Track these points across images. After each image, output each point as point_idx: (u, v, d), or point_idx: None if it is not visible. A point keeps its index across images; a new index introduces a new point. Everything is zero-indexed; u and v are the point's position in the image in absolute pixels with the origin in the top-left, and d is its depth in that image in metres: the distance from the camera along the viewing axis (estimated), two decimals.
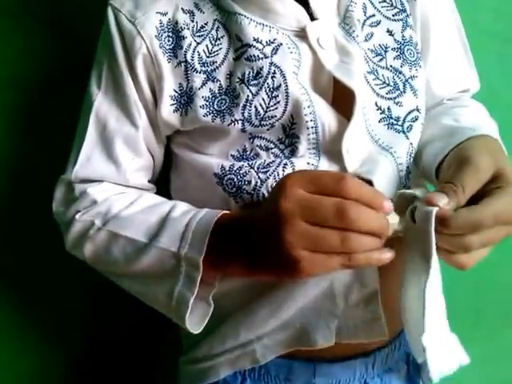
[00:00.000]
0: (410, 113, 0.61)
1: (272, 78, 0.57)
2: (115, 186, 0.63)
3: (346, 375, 0.62)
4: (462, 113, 0.65)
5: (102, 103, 0.61)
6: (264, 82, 0.57)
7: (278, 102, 0.57)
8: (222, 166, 0.59)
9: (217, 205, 0.59)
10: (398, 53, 0.62)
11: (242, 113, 0.58)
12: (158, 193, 0.67)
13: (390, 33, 0.63)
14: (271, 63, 0.57)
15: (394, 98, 0.60)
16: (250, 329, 0.60)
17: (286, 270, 0.47)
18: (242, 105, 0.57)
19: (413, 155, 0.62)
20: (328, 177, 0.46)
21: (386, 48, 0.62)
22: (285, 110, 0.57)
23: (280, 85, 0.57)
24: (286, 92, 0.57)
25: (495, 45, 0.86)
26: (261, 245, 0.49)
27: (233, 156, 0.59)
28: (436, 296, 0.48)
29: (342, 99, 0.58)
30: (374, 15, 0.62)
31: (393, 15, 0.63)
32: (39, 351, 0.86)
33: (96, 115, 0.61)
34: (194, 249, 0.53)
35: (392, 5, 0.64)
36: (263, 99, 0.57)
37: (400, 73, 0.61)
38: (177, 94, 0.60)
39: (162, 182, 0.69)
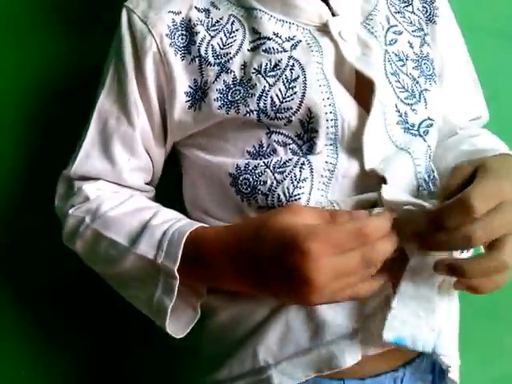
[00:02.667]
0: (423, 121, 0.61)
1: (290, 70, 0.57)
2: (110, 185, 0.63)
3: None
4: (476, 140, 0.67)
5: (104, 102, 0.62)
6: (282, 74, 0.57)
7: (295, 93, 0.56)
8: (237, 166, 0.57)
9: (229, 211, 0.59)
10: (417, 64, 0.62)
11: (258, 103, 0.56)
12: (172, 203, 0.65)
13: (410, 45, 0.63)
14: (290, 57, 0.57)
15: (411, 105, 0.60)
16: (267, 351, 0.57)
17: (295, 297, 0.50)
18: (257, 95, 0.56)
19: (431, 157, 0.61)
20: (347, 236, 0.47)
21: (407, 56, 0.62)
22: (301, 102, 0.56)
23: (298, 76, 0.56)
24: (304, 83, 0.56)
25: (494, 43, 0.86)
26: (271, 271, 0.50)
27: (249, 152, 0.58)
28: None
29: (364, 93, 0.57)
30: (396, 25, 0.63)
31: (412, 31, 0.64)
32: (41, 353, 0.86)
33: (98, 113, 0.62)
34: (169, 257, 0.53)
35: (411, 22, 0.65)
36: (280, 90, 0.56)
37: (417, 82, 0.61)
38: (192, 90, 0.59)
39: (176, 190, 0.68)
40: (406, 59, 0.62)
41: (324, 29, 0.59)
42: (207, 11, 0.60)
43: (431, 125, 0.61)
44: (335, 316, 0.55)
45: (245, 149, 0.58)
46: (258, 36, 0.58)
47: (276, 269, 0.49)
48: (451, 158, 0.64)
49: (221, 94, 0.58)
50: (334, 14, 0.59)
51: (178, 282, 0.53)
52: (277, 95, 0.56)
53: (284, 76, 0.57)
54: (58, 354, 0.86)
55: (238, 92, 0.57)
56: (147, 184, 0.67)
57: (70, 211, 0.62)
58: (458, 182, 0.49)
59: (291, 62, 0.57)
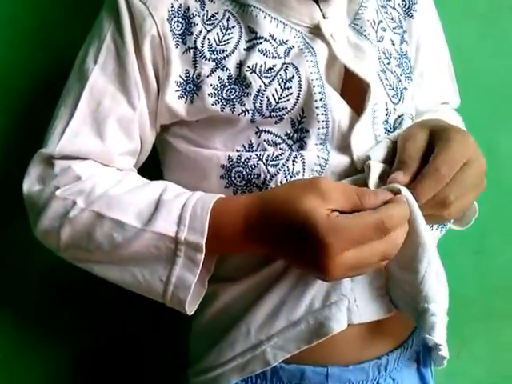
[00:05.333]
0: (396, 119, 0.62)
1: (285, 70, 0.57)
2: (100, 165, 0.59)
3: (359, 378, 0.61)
4: (430, 114, 0.68)
5: (97, 79, 0.58)
6: (277, 74, 0.57)
7: (291, 94, 0.57)
8: (229, 157, 0.57)
9: None
10: (398, 62, 0.64)
11: (254, 103, 0.57)
12: None
13: (392, 42, 0.64)
14: (284, 63, 0.58)
15: (396, 104, 0.61)
16: (259, 329, 0.58)
17: (313, 272, 0.51)
18: (253, 94, 0.57)
19: None
20: (369, 229, 0.48)
21: (390, 54, 0.63)
22: (296, 102, 0.57)
23: (293, 76, 0.57)
24: (299, 83, 0.57)
25: (476, 24, 0.88)
26: (289, 247, 0.51)
27: (238, 151, 0.58)
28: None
29: (351, 93, 0.59)
30: (382, 21, 0.64)
31: (393, 28, 0.65)
32: (43, 348, 0.85)
33: (90, 91, 0.58)
34: (194, 231, 0.52)
35: (392, 19, 0.66)
36: (276, 90, 0.57)
37: (400, 81, 0.62)
38: (182, 81, 0.58)
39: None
40: (390, 57, 0.63)
41: (316, 31, 0.59)
42: (202, 2, 0.59)
43: (402, 119, 0.62)
44: (324, 286, 0.56)
45: (234, 147, 0.58)
46: (254, 35, 0.58)
47: (296, 251, 0.50)
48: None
49: (215, 89, 0.57)
50: (324, 17, 0.60)
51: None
52: (273, 95, 0.57)
53: (279, 76, 0.57)
54: (62, 352, 0.85)
55: (233, 90, 0.57)
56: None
57: (57, 192, 0.56)
58: (418, 151, 0.53)
59: (285, 65, 0.58)
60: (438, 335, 0.53)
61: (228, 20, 0.59)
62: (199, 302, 0.56)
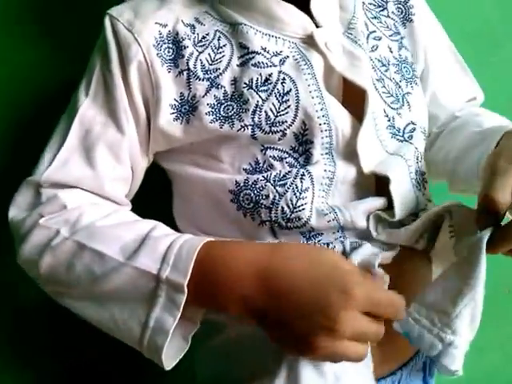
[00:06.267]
0: (407, 125, 0.62)
1: (282, 83, 0.57)
2: (89, 195, 0.58)
3: None
4: (481, 119, 0.68)
5: (88, 109, 0.59)
6: (274, 88, 0.57)
7: (289, 107, 0.57)
8: (237, 182, 0.57)
9: (227, 227, 0.59)
10: (397, 68, 0.64)
11: (252, 118, 0.57)
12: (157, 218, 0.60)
13: (390, 49, 0.64)
14: (280, 71, 0.58)
15: (397, 109, 0.61)
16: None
17: (299, 346, 0.47)
18: (251, 110, 0.57)
19: (420, 160, 0.63)
20: (384, 300, 0.48)
21: (388, 61, 0.63)
22: (295, 115, 0.57)
23: (290, 89, 0.57)
24: (297, 96, 0.57)
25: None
26: (287, 308, 0.47)
27: (245, 170, 0.58)
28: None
29: (352, 101, 0.59)
30: (375, 31, 0.64)
31: (389, 35, 0.65)
32: (35, 362, 0.83)
33: (80, 121, 0.58)
34: (176, 271, 0.49)
35: (388, 27, 0.66)
36: (273, 104, 0.57)
37: (399, 87, 0.63)
38: (177, 103, 0.58)
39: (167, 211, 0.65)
40: (388, 64, 0.63)
41: (310, 41, 0.59)
42: (192, 26, 0.60)
43: (414, 129, 0.63)
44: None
45: (241, 167, 0.58)
46: (246, 51, 0.58)
47: (313, 292, 0.47)
48: (461, 142, 0.65)
49: (212, 108, 0.57)
50: (317, 26, 0.60)
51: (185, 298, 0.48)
52: (271, 109, 0.57)
53: (276, 90, 0.57)
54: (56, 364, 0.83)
55: (230, 107, 0.57)
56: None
57: (41, 221, 0.54)
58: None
59: (282, 76, 0.57)
60: (456, 364, 0.51)
61: (219, 39, 0.59)
62: (179, 358, 0.51)
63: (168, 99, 0.58)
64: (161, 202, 0.68)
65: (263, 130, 0.57)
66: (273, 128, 0.57)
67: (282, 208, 0.56)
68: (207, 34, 0.60)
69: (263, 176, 0.57)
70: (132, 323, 0.50)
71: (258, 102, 0.57)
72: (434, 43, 0.71)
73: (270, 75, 0.57)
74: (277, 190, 0.56)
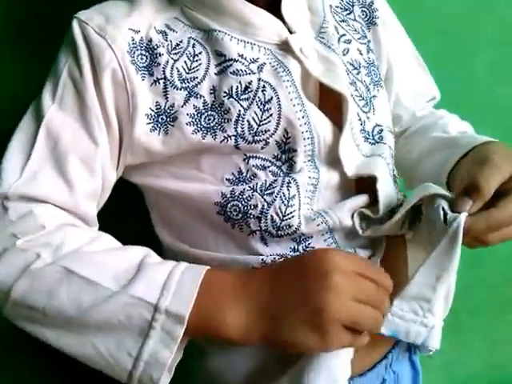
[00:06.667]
0: (374, 127, 0.63)
1: (262, 91, 0.56)
2: (64, 214, 0.54)
3: (373, 381, 0.62)
4: (445, 122, 0.71)
5: (54, 116, 0.55)
6: (255, 96, 0.56)
7: (271, 115, 0.56)
8: (223, 194, 0.56)
9: (216, 237, 0.58)
10: (368, 71, 0.65)
11: (235, 128, 0.56)
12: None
13: (360, 52, 0.65)
14: (259, 79, 0.57)
15: (367, 112, 0.62)
16: None
17: (309, 338, 0.47)
18: (234, 120, 0.56)
19: (393, 157, 0.64)
20: (369, 265, 0.51)
21: (359, 64, 0.64)
22: (278, 124, 0.56)
23: (271, 97, 0.56)
24: (279, 104, 0.56)
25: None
26: (284, 309, 0.48)
27: (228, 180, 0.57)
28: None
29: (328, 107, 0.59)
30: (345, 34, 0.64)
31: (358, 38, 0.66)
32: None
33: (47, 128, 0.54)
34: (178, 301, 0.47)
35: (356, 30, 0.67)
36: (255, 113, 0.56)
37: (368, 90, 0.63)
38: (153, 113, 0.56)
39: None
40: (359, 67, 0.63)
41: (285, 47, 0.59)
42: (164, 33, 0.58)
43: (381, 130, 0.63)
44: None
45: (224, 177, 0.57)
46: (223, 58, 0.57)
47: (298, 305, 0.48)
48: (425, 143, 0.69)
49: (192, 118, 0.56)
50: (290, 31, 0.60)
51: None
52: (253, 118, 0.56)
53: (257, 98, 0.56)
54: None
55: (212, 117, 0.56)
56: None
57: (18, 243, 0.49)
58: (495, 186, 0.53)
59: (261, 83, 0.57)
60: (438, 343, 0.55)
61: (194, 47, 0.58)
62: (170, 377, 0.49)
63: (144, 109, 0.56)
64: (131, 217, 0.66)
65: (246, 140, 0.56)
66: (256, 137, 0.56)
67: (272, 217, 0.56)
68: (181, 42, 0.58)
69: (249, 186, 0.56)
70: (121, 356, 0.48)
71: (239, 111, 0.56)
72: (397, 46, 0.72)
73: (249, 83, 0.56)
74: (265, 199, 0.56)
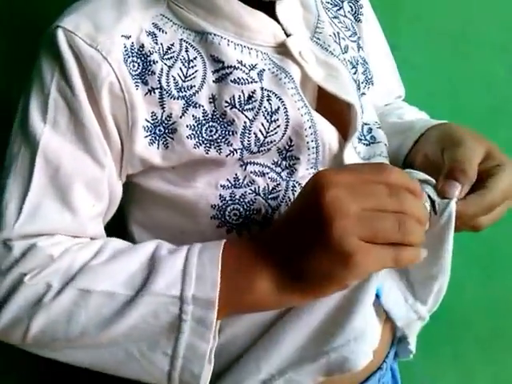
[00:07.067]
0: (363, 127, 0.61)
1: (268, 101, 0.53)
2: (71, 238, 0.51)
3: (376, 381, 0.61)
4: (402, 111, 0.71)
5: (50, 141, 0.50)
6: (260, 106, 0.53)
7: (278, 126, 0.54)
8: (221, 196, 0.53)
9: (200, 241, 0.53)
10: (364, 69, 0.63)
11: (242, 141, 0.53)
12: None
13: (353, 49, 0.63)
14: (262, 88, 0.54)
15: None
16: (271, 362, 0.53)
17: (336, 270, 0.42)
18: (240, 132, 0.53)
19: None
20: (368, 170, 0.43)
21: (357, 61, 0.62)
22: (284, 133, 0.54)
23: (278, 107, 0.53)
24: (286, 114, 0.54)
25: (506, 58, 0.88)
26: (300, 250, 0.43)
27: (223, 186, 0.54)
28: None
29: (327, 111, 0.57)
30: (339, 32, 0.62)
31: (349, 36, 0.64)
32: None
33: (44, 155, 0.50)
34: (203, 284, 0.45)
35: (347, 27, 0.64)
36: (262, 124, 0.53)
37: (359, 88, 0.61)
38: (150, 125, 0.52)
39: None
40: (357, 64, 0.62)
41: (282, 50, 0.56)
42: (153, 35, 0.53)
43: (370, 129, 0.62)
44: (351, 320, 0.53)
45: (218, 183, 0.54)
46: (221, 65, 0.54)
47: (308, 243, 0.43)
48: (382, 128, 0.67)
49: (193, 130, 0.53)
50: (285, 32, 0.57)
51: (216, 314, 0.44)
52: (260, 130, 0.53)
53: (263, 108, 0.53)
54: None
55: (214, 129, 0.53)
56: None
57: (26, 279, 0.47)
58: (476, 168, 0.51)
59: (266, 93, 0.54)
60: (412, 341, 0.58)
61: (187, 51, 0.54)
62: (212, 367, 0.47)
63: (141, 121, 0.52)
64: None
65: (251, 151, 0.54)
66: (261, 148, 0.54)
67: None
68: (172, 45, 0.54)
69: (251, 189, 0.53)
70: (156, 357, 0.46)
71: (245, 122, 0.53)
72: (375, 44, 0.71)
73: (253, 92, 0.53)
74: (269, 204, 0.53)
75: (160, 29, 0.54)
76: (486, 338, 0.93)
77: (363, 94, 0.62)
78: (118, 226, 0.58)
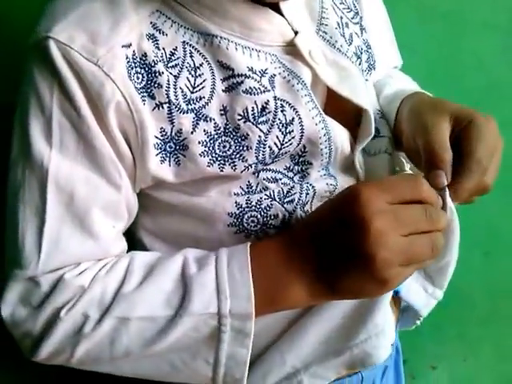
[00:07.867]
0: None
1: (282, 111, 0.51)
2: (95, 262, 0.51)
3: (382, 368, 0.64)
4: (390, 81, 0.67)
5: (60, 166, 0.47)
6: (275, 118, 0.51)
7: (293, 138, 0.52)
8: (237, 203, 0.52)
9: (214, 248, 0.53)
10: (368, 56, 0.61)
11: (256, 156, 0.51)
12: None
13: (357, 35, 0.60)
14: (275, 97, 0.51)
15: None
16: (295, 355, 0.55)
17: (370, 289, 0.46)
18: (254, 147, 0.51)
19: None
20: (405, 186, 0.46)
21: (361, 50, 0.60)
22: (299, 144, 0.53)
23: (293, 118, 0.51)
24: (301, 125, 0.52)
25: (498, 38, 0.87)
26: (335, 267, 0.46)
27: (236, 194, 0.52)
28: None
29: (336, 111, 0.55)
30: (342, 17, 0.59)
31: (351, 18, 0.61)
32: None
33: (56, 182, 0.47)
34: (238, 300, 0.46)
35: (348, 8, 0.61)
36: (277, 137, 0.51)
37: (362, 75, 0.59)
38: (159, 141, 0.49)
39: None
40: (361, 53, 0.60)
41: (291, 50, 0.53)
42: (154, 38, 0.49)
43: (374, 120, 0.60)
44: (373, 317, 0.55)
45: (231, 191, 0.53)
46: (230, 73, 0.51)
47: (347, 260, 0.45)
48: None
49: (205, 147, 0.50)
50: (292, 29, 0.54)
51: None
52: (275, 143, 0.52)
53: (278, 121, 0.51)
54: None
55: (227, 144, 0.51)
56: None
57: (62, 314, 0.47)
58: (448, 143, 0.51)
59: (279, 103, 0.51)
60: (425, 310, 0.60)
61: (192, 56, 0.50)
62: (247, 370, 0.50)
63: (151, 138, 0.49)
64: None
65: (265, 164, 0.52)
66: (275, 159, 0.53)
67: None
68: (175, 49, 0.50)
69: (266, 194, 0.53)
70: (199, 365, 0.49)
71: (259, 136, 0.51)
72: (375, 18, 0.68)
73: (266, 103, 0.51)
74: (285, 208, 0.53)
75: (159, 30, 0.50)
76: (487, 317, 0.96)
77: (366, 80, 0.60)
78: (125, 232, 0.56)
